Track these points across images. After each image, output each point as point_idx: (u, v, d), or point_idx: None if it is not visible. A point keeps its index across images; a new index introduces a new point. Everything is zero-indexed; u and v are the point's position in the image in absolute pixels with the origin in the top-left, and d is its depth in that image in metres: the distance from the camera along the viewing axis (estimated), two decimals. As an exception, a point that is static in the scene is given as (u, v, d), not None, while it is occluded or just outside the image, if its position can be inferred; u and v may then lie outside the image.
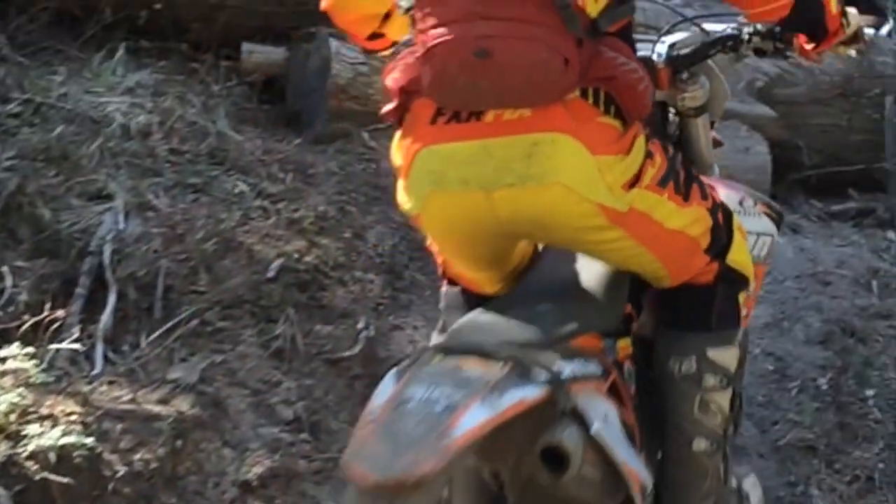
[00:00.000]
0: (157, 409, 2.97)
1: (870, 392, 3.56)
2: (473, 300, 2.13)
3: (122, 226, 3.43)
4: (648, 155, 1.95)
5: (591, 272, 2.10)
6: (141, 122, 3.87)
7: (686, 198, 2.02)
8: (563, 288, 2.08)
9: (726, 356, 2.12)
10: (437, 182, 1.92)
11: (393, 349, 3.43)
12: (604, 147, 1.88)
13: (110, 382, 3.03)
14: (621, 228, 1.94)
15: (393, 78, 1.97)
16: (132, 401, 2.97)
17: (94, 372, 3.06)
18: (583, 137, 1.86)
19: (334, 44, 4.21)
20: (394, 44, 2.20)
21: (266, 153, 3.96)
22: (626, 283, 2.13)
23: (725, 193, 2.22)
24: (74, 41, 4.24)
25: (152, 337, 3.21)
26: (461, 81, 1.84)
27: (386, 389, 1.76)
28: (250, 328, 3.32)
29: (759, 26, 2.20)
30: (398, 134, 2.00)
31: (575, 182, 1.87)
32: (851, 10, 2.23)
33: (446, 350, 1.84)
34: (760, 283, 2.32)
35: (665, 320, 2.14)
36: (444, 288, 2.25)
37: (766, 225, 2.37)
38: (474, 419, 1.68)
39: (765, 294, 3.87)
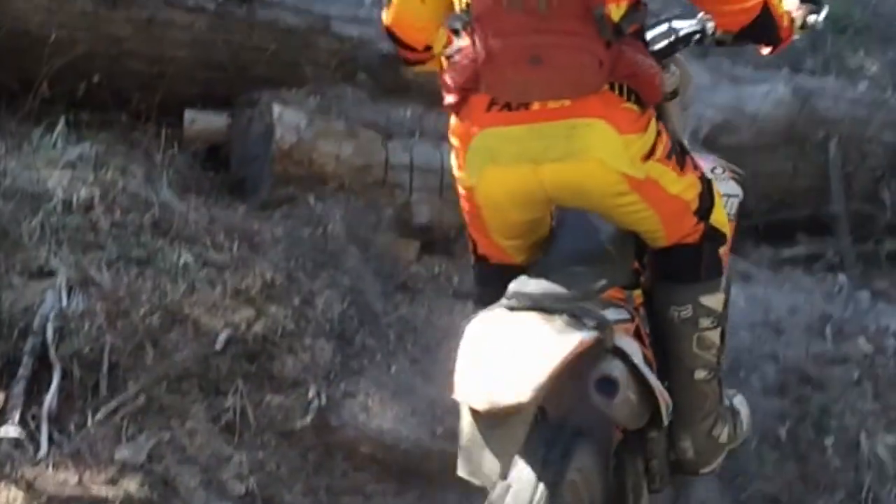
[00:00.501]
0: (105, 491, 2.90)
1: (829, 440, 3.54)
2: (503, 273, 2.50)
3: (64, 303, 3.37)
4: (658, 133, 2.40)
5: (603, 239, 2.52)
6: (82, 195, 3.81)
7: (682, 168, 2.46)
8: (587, 253, 2.49)
9: (715, 301, 2.56)
10: (493, 158, 2.36)
11: (345, 417, 3.38)
12: (627, 127, 2.33)
13: (56, 465, 2.95)
14: (637, 193, 2.38)
15: (451, 77, 2.39)
16: (79, 484, 2.90)
17: (39, 455, 2.98)
18: (612, 121, 2.31)
19: (277, 109, 4.18)
20: (431, 57, 2.65)
21: (211, 222, 3.91)
22: (633, 245, 2.56)
23: (700, 163, 2.61)
24: (13, 116, 4.18)
25: (98, 416, 3.15)
26: (517, 82, 2.29)
27: (472, 337, 2.23)
28: (199, 402, 3.26)
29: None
30: (454, 121, 2.43)
31: (607, 156, 2.32)
32: (792, 4, 2.60)
33: (512, 308, 2.28)
34: (734, 238, 2.70)
35: (663, 275, 2.56)
36: (476, 266, 2.69)
37: (734, 187, 2.83)
38: (551, 357, 2.15)
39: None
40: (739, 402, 2.89)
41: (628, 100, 2.34)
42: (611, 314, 2.39)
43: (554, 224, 2.58)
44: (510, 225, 2.49)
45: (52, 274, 3.45)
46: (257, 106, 4.29)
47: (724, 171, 2.87)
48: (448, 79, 2.40)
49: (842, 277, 4.66)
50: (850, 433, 3.58)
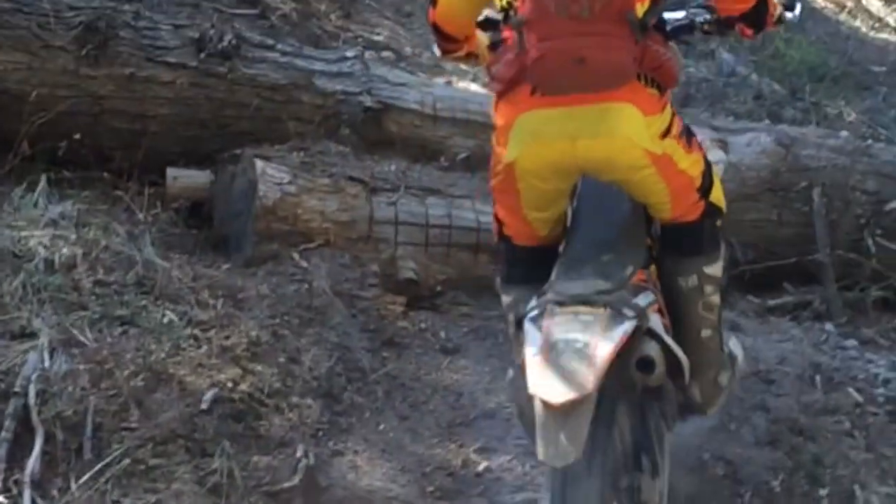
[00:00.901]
0: (90, 557, 2.83)
1: (823, 491, 3.50)
2: (528, 253, 2.94)
3: (47, 364, 3.30)
4: (673, 114, 2.79)
5: (619, 221, 2.89)
6: (65, 254, 3.76)
7: (689, 146, 2.83)
8: (609, 237, 2.84)
9: (716, 269, 2.96)
10: (535, 135, 2.74)
11: (334, 477, 3.32)
12: (649, 109, 2.72)
13: (39, 532, 2.89)
14: (655, 167, 2.75)
15: (498, 70, 2.79)
16: (63, 550, 2.83)
17: (22, 521, 2.92)
18: (637, 104, 2.70)
19: (260, 165, 4.16)
20: (468, 55, 3.07)
21: (195, 279, 3.87)
22: (643, 223, 2.92)
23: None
24: (-7, 175, 4.15)
25: (82, 479, 3.07)
26: (563, 79, 2.65)
27: (535, 337, 2.56)
28: (185, 464, 3.19)
29: (708, 16, 2.95)
30: (499, 104, 2.81)
31: (633, 134, 2.70)
32: None
33: (560, 303, 2.61)
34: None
35: (671, 250, 2.95)
36: (502, 246, 3.04)
37: (720, 155, 3.26)
38: (604, 351, 2.50)
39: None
40: (734, 345, 3.25)
41: (650, 86, 2.73)
42: (642, 300, 2.73)
43: (573, 206, 2.93)
44: (542, 195, 2.85)
45: (34, 335, 3.40)
46: (240, 162, 4.27)
47: (711, 141, 3.47)
48: (495, 70, 2.81)
49: (829, 326, 4.64)
50: (844, 484, 3.53)
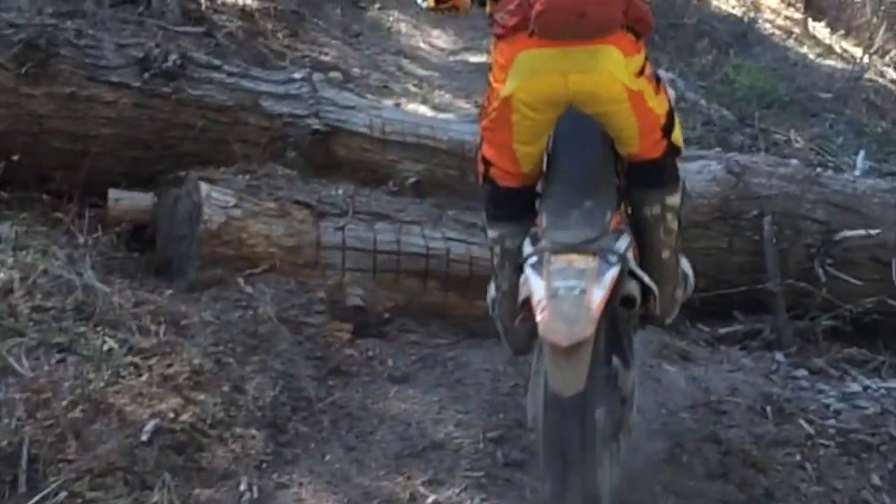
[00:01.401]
0: None
1: (775, 526, 3.47)
2: (510, 194, 3.32)
3: (-19, 393, 3.20)
4: (646, 58, 3.22)
5: (592, 163, 3.27)
6: (1, 278, 3.65)
7: (657, 89, 3.26)
8: (586, 182, 3.22)
9: (676, 199, 3.40)
10: (532, 70, 3.13)
11: (279, 511, 3.24)
12: (629, 51, 3.15)
13: (-31, 570, 2.78)
14: (629, 102, 3.17)
15: (503, 17, 3.14)
16: (-6, 589, 2.72)
17: (-48, 559, 2.81)
18: (620, 47, 3.12)
19: (205, 188, 4.07)
20: (453, 7, 3.46)
21: (136, 305, 3.77)
22: (613, 165, 3.31)
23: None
24: (-72, 197, 4.04)
25: (17, 514, 2.97)
26: (563, 30, 3.05)
27: (538, 284, 2.95)
28: (124, 497, 3.09)
29: None
30: (499, 45, 3.18)
31: (615, 70, 3.12)
32: None
33: (555, 251, 3.00)
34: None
35: (637, 184, 3.34)
36: (486, 188, 3.39)
37: (671, 92, 3.47)
38: (598, 297, 2.91)
39: (661, 427, 3.78)
40: (686, 265, 3.66)
41: (629, 31, 3.16)
42: (622, 244, 3.10)
43: (548, 151, 3.29)
44: (532, 126, 3.22)
45: (-33, 364, 3.29)
46: (184, 185, 4.18)
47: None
48: (499, 17, 3.17)
49: (779, 355, 4.62)
50: (796, 518, 3.51)
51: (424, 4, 3.45)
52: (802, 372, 4.47)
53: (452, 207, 4.55)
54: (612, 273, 2.98)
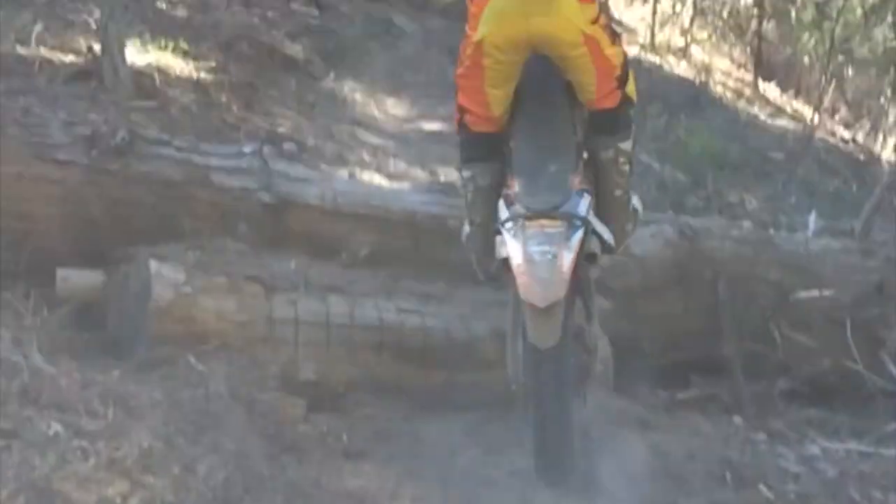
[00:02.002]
0: None
1: None
2: (482, 139, 3.81)
3: (-79, 484, 3.11)
4: (600, 9, 3.65)
5: (556, 120, 3.75)
6: (-57, 363, 3.58)
7: (613, 40, 3.69)
8: (551, 142, 3.69)
9: (628, 145, 3.86)
10: (500, 15, 3.59)
11: None
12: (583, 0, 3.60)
13: None
14: (586, 47, 3.61)
15: None
16: None
17: None
18: None
19: (154, 264, 4.02)
20: None
21: (84, 386, 3.70)
22: (571, 120, 3.77)
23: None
24: None
25: None
26: None
27: (516, 248, 3.44)
28: (70, 588, 3.01)
29: None
30: None
31: (571, 15, 3.57)
32: None
33: (528, 217, 3.47)
34: None
35: (595, 131, 3.80)
36: (461, 134, 3.88)
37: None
38: (567, 259, 3.41)
39: (620, 497, 3.74)
40: (636, 201, 4.11)
41: None
42: (584, 205, 3.54)
43: (516, 105, 3.75)
44: (501, 70, 3.68)
45: None
46: (133, 262, 4.13)
47: None
48: None
49: (737, 419, 4.61)
50: (758, 588, 3.47)
51: None
52: (761, 435, 4.46)
53: (406, 278, 4.52)
54: (578, 235, 3.48)
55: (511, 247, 3.47)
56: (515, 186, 3.58)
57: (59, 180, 4.23)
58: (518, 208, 3.50)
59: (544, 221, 3.46)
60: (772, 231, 5.46)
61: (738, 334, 4.85)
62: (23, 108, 4.39)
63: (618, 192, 3.89)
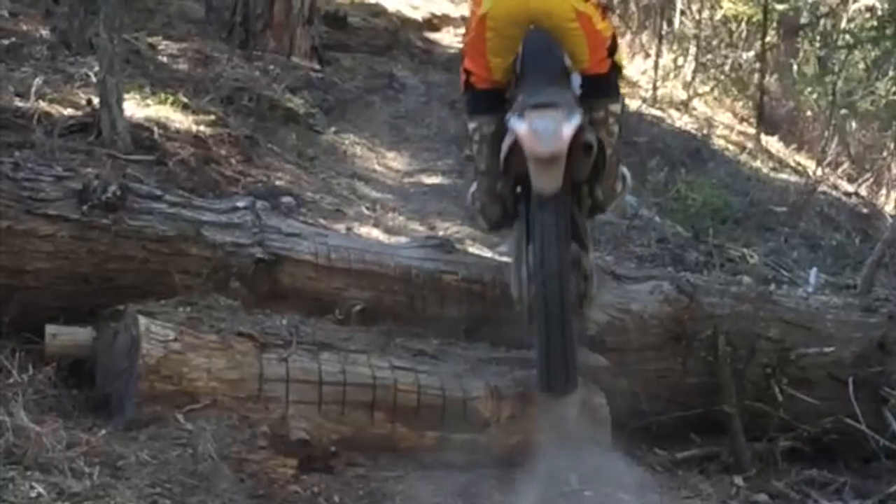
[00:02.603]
0: None
1: None
2: (488, 95, 4.40)
3: None
4: None
5: (556, 72, 4.30)
6: (-74, 423, 3.52)
7: (603, 16, 4.32)
8: (552, 81, 4.26)
9: (617, 107, 4.45)
10: None
11: None
12: None
13: None
14: (579, 22, 4.24)
15: None
16: None
17: None
18: None
19: (143, 321, 3.95)
20: None
21: (70, 446, 3.63)
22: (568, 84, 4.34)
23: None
24: None
25: None
26: None
27: (521, 124, 4.06)
28: None
29: None
30: None
31: None
32: None
33: (532, 107, 4.06)
34: None
35: (587, 94, 4.35)
36: (467, 94, 4.52)
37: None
38: (567, 128, 4.03)
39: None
40: (625, 171, 4.73)
41: None
42: (580, 112, 4.16)
43: (517, 69, 4.31)
44: (502, 42, 4.30)
45: None
46: (123, 318, 4.06)
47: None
48: None
49: (738, 479, 4.53)
50: None
51: None
52: (762, 496, 4.38)
53: (400, 335, 4.46)
54: (577, 117, 4.07)
55: (517, 126, 4.07)
56: (520, 98, 4.17)
57: (48, 235, 4.18)
58: (523, 100, 4.13)
59: (548, 109, 4.06)
60: (772, 287, 5.38)
61: (739, 392, 4.76)
62: (13, 161, 4.33)
63: (608, 152, 4.38)
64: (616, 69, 4.42)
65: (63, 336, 4.14)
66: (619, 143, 4.49)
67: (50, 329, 4.13)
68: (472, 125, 4.50)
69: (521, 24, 4.26)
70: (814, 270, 6.10)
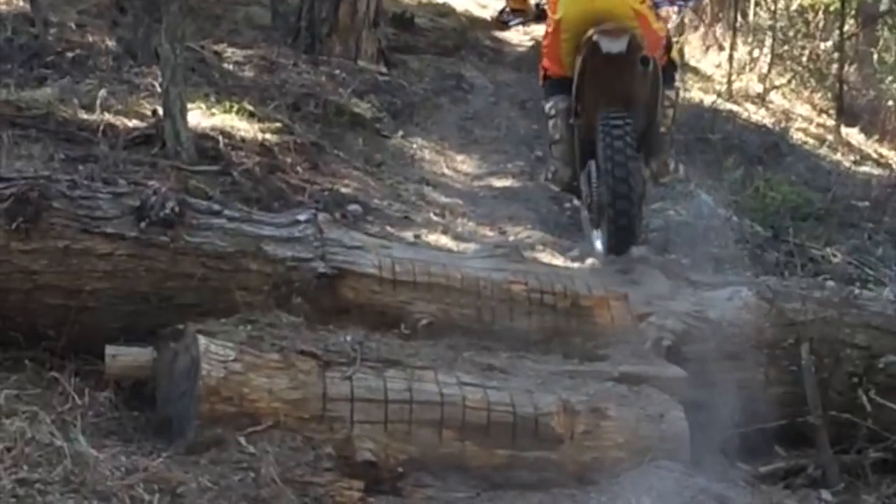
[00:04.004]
0: None
1: None
2: (563, 82, 5.50)
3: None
4: None
5: None
6: (-16, 450, 3.43)
7: (658, 17, 5.39)
8: None
9: (672, 93, 5.61)
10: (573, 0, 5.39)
11: None
12: None
13: None
14: (638, 21, 5.24)
15: None
16: None
17: None
18: None
19: (203, 341, 3.85)
20: None
21: (129, 472, 3.53)
22: None
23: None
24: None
25: None
26: None
27: (593, 35, 5.32)
28: None
29: None
30: None
31: None
32: None
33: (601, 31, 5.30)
34: None
35: None
36: (546, 83, 5.70)
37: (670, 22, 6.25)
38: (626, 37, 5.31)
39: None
40: (679, 163, 5.83)
41: None
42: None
43: None
44: (574, 41, 5.38)
45: (-58, 547, 3.05)
46: (182, 338, 3.96)
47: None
48: None
49: (825, 494, 4.32)
50: None
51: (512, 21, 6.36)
52: (852, 512, 4.17)
53: (468, 349, 4.31)
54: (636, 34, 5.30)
55: (592, 36, 5.28)
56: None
57: (107, 254, 4.09)
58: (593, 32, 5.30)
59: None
60: (856, 289, 5.14)
61: (824, 402, 4.55)
62: (70, 179, 4.25)
63: (662, 129, 5.46)
64: (672, 63, 5.63)
65: (123, 357, 4.05)
66: (672, 126, 5.76)
67: (109, 350, 4.03)
68: (548, 105, 5.70)
69: (588, 22, 5.30)
70: (898, 271, 5.85)
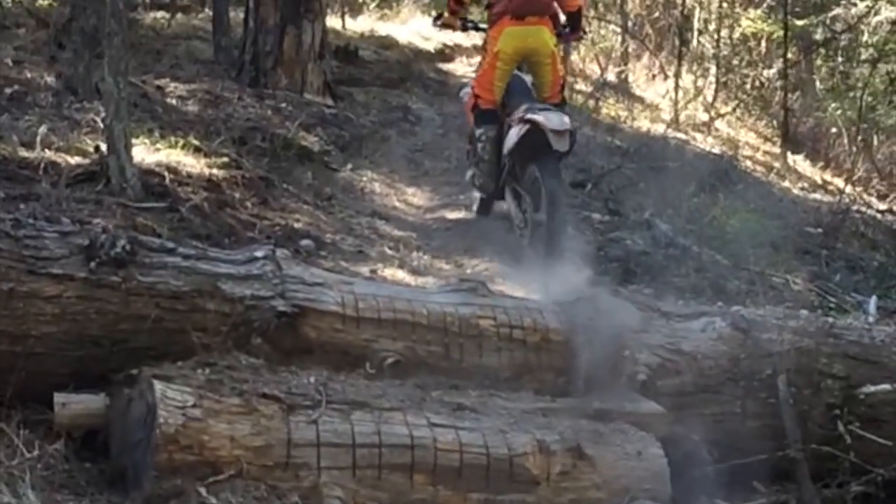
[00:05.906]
0: None
1: None
2: (491, 112, 7.28)
3: None
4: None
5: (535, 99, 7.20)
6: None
7: (563, 62, 8.21)
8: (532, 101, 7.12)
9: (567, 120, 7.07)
10: (510, 37, 7.16)
11: None
12: (551, 31, 7.24)
13: None
14: (551, 59, 7.24)
15: (497, 8, 7.24)
16: None
17: None
18: (548, 27, 7.23)
19: (159, 386, 3.64)
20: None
21: (83, 529, 3.31)
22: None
23: None
24: None
25: None
26: (525, 11, 7.14)
27: (538, 116, 6.75)
28: None
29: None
30: (494, 25, 7.28)
31: (548, 39, 7.21)
32: None
33: (540, 109, 6.89)
34: None
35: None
36: (476, 112, 7.36)
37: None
38: (569, 120, 6.88)
39: None
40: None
41: (550, 19, 7.26)
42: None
43: (505, 97, 7.23)
44: (506, 71, 7.18)
45: None
46: (137, 384, 3.75)
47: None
48: (495, 9, 7.23)
49: (808, 529, 4.17)
50: None
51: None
52: (836, 548, 4.03)
53: (437, 388, 4.13)
54: (567, 117, 6.85)
55: (535, 117, 6.68)
56: (522, 107, 6.89)
57: (54, 297, 3.87)
58: (529, 107, 6.83)
59: (550, 111, 6.79)
60: (831, 319, 5.03)
61: (804, 435, 4.42)
62: (13, 218, 4.03)
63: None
64: (564, 101, 7.39)
65: (73, 405, 3.82)
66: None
67: (59, 398, 3.81)
68: (479, 131, 7.34)
69: (519, 57, 7.23)
70: (872, 299, 5.77)
